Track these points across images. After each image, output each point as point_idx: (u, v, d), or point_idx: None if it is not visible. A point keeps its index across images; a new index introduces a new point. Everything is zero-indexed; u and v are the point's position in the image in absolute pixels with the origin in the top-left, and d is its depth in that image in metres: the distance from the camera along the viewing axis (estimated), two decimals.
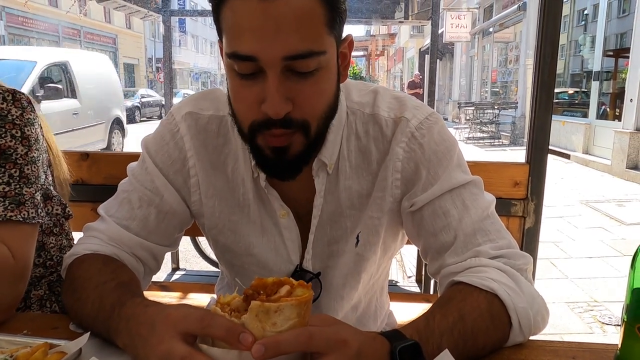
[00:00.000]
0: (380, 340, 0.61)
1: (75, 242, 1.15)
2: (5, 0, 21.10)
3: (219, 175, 0.92)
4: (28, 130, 0.97)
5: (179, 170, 0.92)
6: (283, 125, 0.73)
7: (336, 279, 0.94)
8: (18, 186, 0.93)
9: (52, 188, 1.06)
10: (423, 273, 2.50)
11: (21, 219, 0.90)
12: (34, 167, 0.97)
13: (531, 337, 0.75)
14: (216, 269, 3.30)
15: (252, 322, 0.55)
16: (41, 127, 1.03)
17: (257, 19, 0.67)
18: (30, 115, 0.98)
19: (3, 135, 0.93)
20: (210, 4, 0.74)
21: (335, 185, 0.89)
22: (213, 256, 3.36)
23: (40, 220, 0.95)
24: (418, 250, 2.70)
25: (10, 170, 0.93)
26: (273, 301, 0.56)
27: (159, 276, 3.18)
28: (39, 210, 0.95)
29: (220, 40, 0.76)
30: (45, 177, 1.03)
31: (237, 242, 0.94)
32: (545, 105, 1.46)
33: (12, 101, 0.96)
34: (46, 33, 25.11)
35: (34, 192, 0.95)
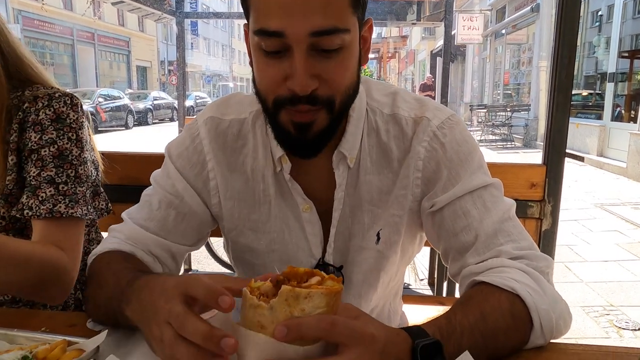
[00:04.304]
0: (403, 336, 0.61)
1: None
2: (22, 4, 21.45)
3: (237, 176, 0.93)
4: (81, 133, 1.05)
5: (199, 174, 0.93)
6: (309, 102, 0.75)
7: (356, 275, 0.94)
8: (73, 186, 1.01)
9: (100, 185, 1.13)
10: (435, 276, 2.49)
11: (79, 216, 0.99)
12: (86, 167, 1.04)
13: (552, 340, 0.74)
14: (228, 271, 3.32)
15: (281, 306, 0.55)
16: (88, 129, 1.11)
17: None
18: (83, 118, 1.06)
19: (61, 138, 1.01)
20: None
21: (356, 179, 0.90)
22: (225, 258, 3.37)
23: (90, 217, 1.03)
24: (430, 254, 2.66)
25: (67, 170, 1.01)
26: (304, 288, 0.56)
27: None
28: (89, 207, 1.04)
29: (247, 23, 0.78)
30: (96, 174, 1.12)
31: (259, 240, 0.94)
32: (562, 106, 1.44)
33: (70, 105, 1.04)
34: (61, 36, 25.47)
35: (85, 190, 1.03)
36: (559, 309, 0.74)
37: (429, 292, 2.77)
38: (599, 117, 10.18)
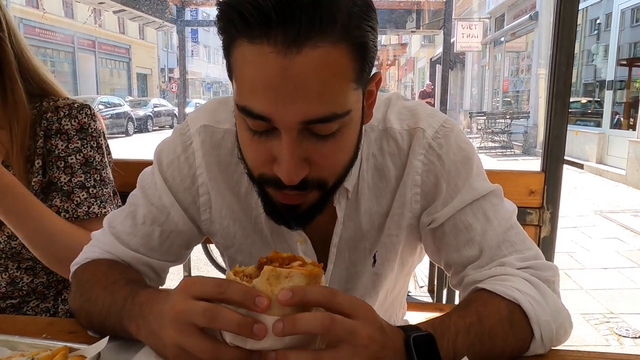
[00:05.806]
0: (396, 330, 0.61)
1: None
2: (23, 12, 21.55)
3: (231, 195, 0.87)
4: (101, 140, 1.15)
5: (188, 188, 0.87)
6: (298, 188, 0.66)
7: None
8: (100, 189, 1.12)
9: (114, 185, 1.22)
10: (435, 283, 2.48)
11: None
12: (107, 171, 1.15)
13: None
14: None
15: (263, 286, 0.56)
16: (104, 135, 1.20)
17: (274, 76, 0.58)
18: (100, 127, 1.16)
19: (85, 146, 1.11)
20: (220, 38, 0.64)
21: (355, 209, 0.84)
22: (224, 265, 3.36)
23: None
24: (430, 261, 2.65)
25: (94, 175, 1.12)
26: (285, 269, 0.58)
27: (171, 284, 3.19)
28: (112, 205, 1.15)
29: (230, 76, 0.67)
30: (113, 176, 1.21)
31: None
32: (560, 113, 1.45)
33: (90, 116, 1.13)
34: (62, 44, 25.55)
35: (109, 190, 1.14)
36: (560, 319, 0.73)
37: (428, 299, 2.77)
38: (598, 125, 10.20)
